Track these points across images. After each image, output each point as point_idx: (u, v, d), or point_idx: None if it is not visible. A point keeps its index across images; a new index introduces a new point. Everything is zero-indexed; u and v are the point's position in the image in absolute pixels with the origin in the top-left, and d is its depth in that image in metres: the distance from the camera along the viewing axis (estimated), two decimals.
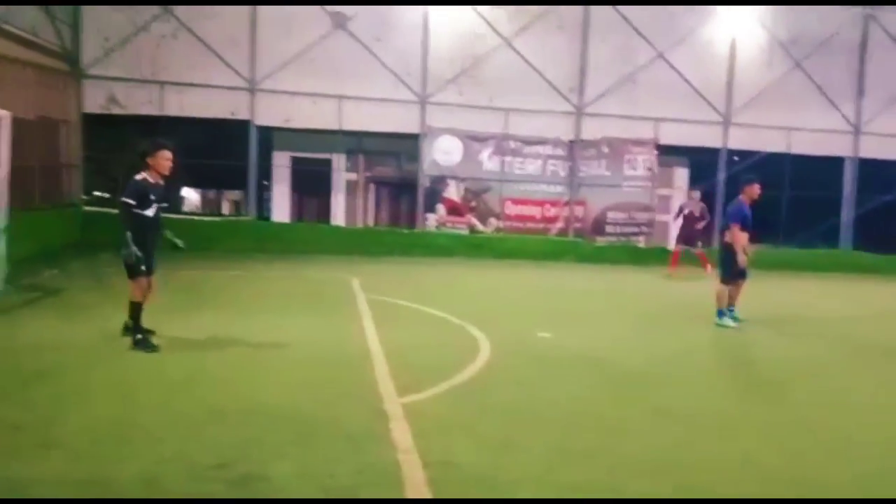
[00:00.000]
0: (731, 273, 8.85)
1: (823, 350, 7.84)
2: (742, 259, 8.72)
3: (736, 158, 19.05)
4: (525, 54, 17.08)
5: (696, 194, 15.71)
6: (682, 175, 20.49)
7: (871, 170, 19.00)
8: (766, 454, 4.19)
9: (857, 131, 18.79)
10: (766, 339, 8.35)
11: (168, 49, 15.84)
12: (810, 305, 11.82)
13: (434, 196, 17.29)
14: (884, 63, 18.57)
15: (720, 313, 8.83)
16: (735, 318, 8.85)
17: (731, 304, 8.97)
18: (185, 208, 31.58)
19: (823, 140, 18.68)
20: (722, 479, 3.76)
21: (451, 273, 13.82)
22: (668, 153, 18.48)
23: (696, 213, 15.01)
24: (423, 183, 17.21)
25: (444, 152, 17.18)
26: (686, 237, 15.15)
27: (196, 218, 19.91)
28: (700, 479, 3.72)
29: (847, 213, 19.17)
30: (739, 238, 8.76)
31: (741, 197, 9.01)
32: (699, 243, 15.35)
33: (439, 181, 17.28)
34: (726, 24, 17.77)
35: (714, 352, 7.70)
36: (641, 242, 17.87)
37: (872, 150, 18.83)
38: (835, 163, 19.17)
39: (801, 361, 7.12)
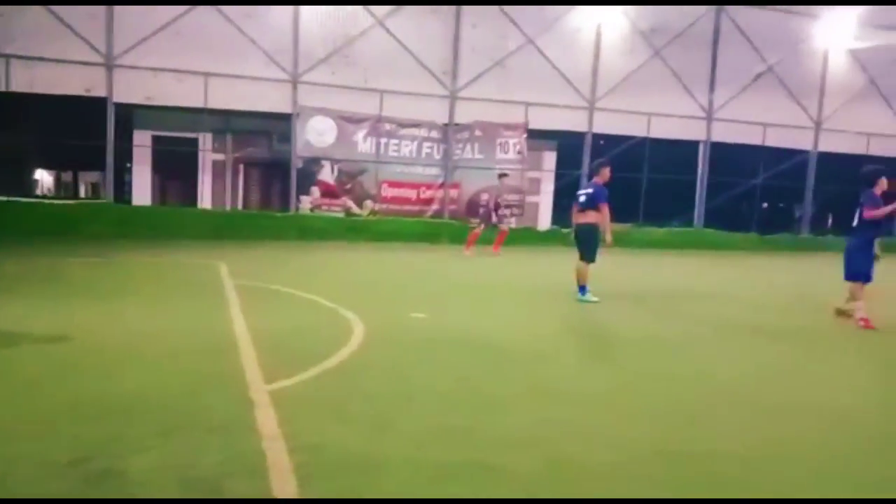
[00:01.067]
0: (594, 253, 9.25)
1: (689, 326, 8.36)
2: (610, 239, 9.17)
3: (602, 142, 19.96)
4: (399, 36, 17.05)
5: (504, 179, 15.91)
6: (550, 158, 21.23)
7: (722, 153, 20.51)
8: (634, 426, 4.40)
9: (709, 117, 20.16)
10: (631, 314, 8.81)
11: (14, 20, 14.54)
12: (671, 281, 12.58)
13: (308, 178, 16.98)
14: (734, 54, 20.01)
15: (582, 290, 9.18)
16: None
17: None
18: (38, 191, 29.32)
19: (681, 125, 19.94)
20: (589, 449, 3.92)
21: (326, 256, 13.65)
22: (538, 137, 19.08)
23: (495, 199, 15.39)
24: (296, 164, 16.85)
25: (317, 133, 16.88)
26: (488, 217, 15.34)
27: (49, 202, 18.53)
28: (569, 451, 3.87)
29: (700, 194, 20.58)
30: (607, 217, 9.15)
31: (596, 179, 9.30)
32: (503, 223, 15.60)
33: (313, 163, 16.97)
34: (592, 13, 18.47)
35: (586, 328, 8.02)
36: (512, 223, 18.38)
37: (722, 134, 20.31)
38: (691, 147, 20.52)
39: (666, 338, 7.55)
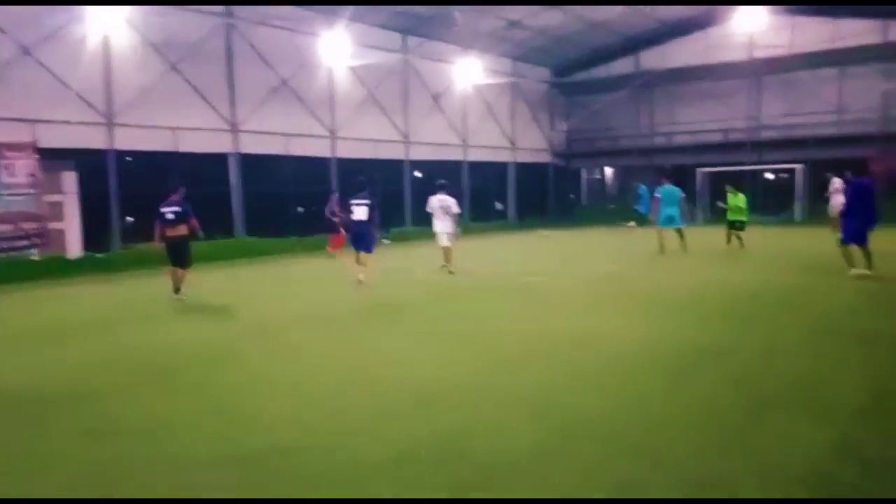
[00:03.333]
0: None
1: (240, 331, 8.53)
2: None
3: (129, 158, 18.90)
4: None
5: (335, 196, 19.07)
6: (71, 179, 19.25)
7: (252, 163, 21.29)
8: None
9: (234, 129, 20.71)
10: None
11: None
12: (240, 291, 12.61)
13: None
14: (250, 69, 20.87)
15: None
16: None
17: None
18: None
19: (208, 138, 20.05)
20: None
21: None
22: (54, 157, 17.11)
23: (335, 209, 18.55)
24: None
25: None
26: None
27: None
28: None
29: (237, 204, 21.05)
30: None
31: (175, 197, 11.15)
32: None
33: None
34: (97, 24, 17.27)
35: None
36: (36, 255, 16.24)
37: (249, 146, 21.09)
38: (222, 158, 20.80)
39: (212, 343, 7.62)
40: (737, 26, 28.72)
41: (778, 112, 29.43)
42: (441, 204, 14.19)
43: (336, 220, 18.66)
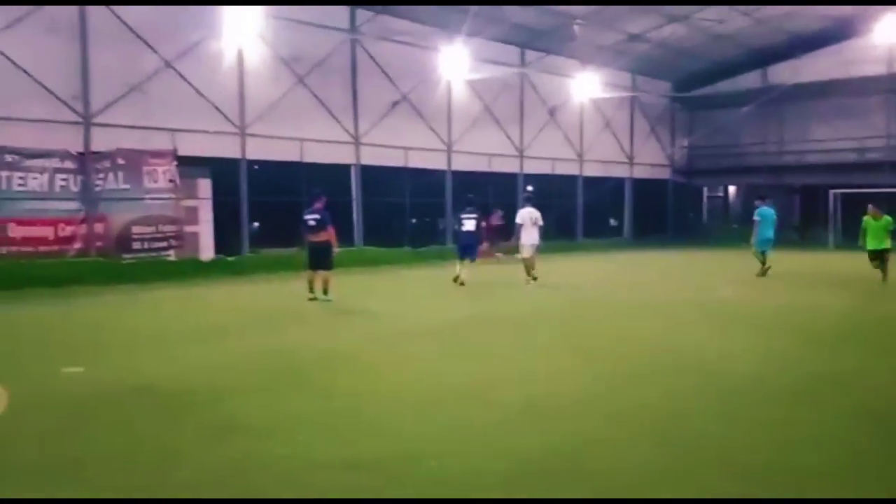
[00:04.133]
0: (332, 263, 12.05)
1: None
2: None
3: (256, 167, 19.95)
4: (13, 56, 14.99)
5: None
6: (205, 186, 20.53)
7: (371, 175, 21.93)
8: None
9: (357, 142, 21.43)
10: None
11: None
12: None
13: None
14: (371, 83, 21.56)
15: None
16: None
17: None
18: None
19: (332, 150, 20.85)
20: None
21: None
22: (190, 164, 18.32)
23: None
24: None
25: None
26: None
27: None
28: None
29: (357, 213, 21.73)
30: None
31: (318, 205, 12.09)
32: None
33: None
34: (231, 38, 18.34)
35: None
36: (172, 256, 17.40)
37: (370, 158, 21.74)
38: (343, 169, 21.54)
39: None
40: (875, 38, 26.76)
41: None
42: (531, 216, 14.93)
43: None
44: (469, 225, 14.82)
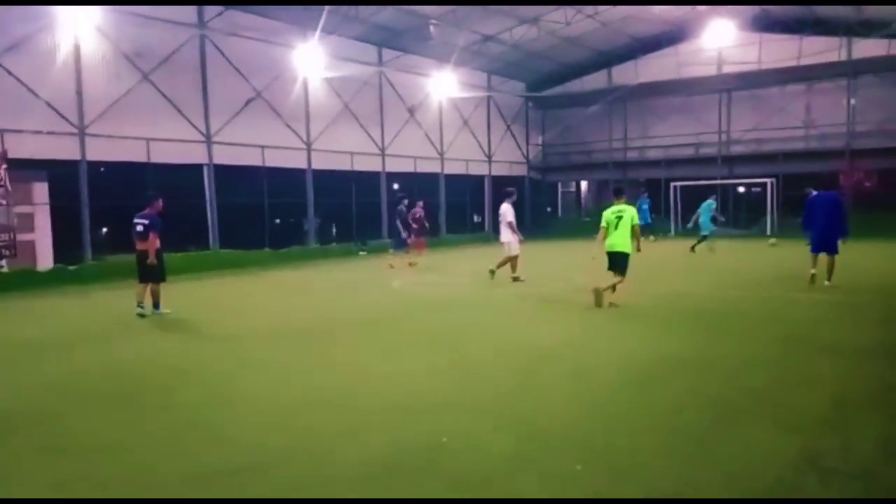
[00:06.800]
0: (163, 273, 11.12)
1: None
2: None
3: (102, 169, 18.73)
4: None
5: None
6: (42, 190, 19.06)
7: (227, 175, 21.17)
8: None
9: (209, 140, 20.61)
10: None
11: None
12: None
13: None
14: (224, 80, 20.81)
15: (156, 306, 10.99)
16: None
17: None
18: None
19: (182, 149, 19.92)
20: None
21: None
22: (24, 167, 16.92)
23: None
24: None
25: None
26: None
27: None
28: None
29: (212, 215, 20.91)
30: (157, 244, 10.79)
31: (149, 210, 10.87)
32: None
33: None
34: (68, 33, 17.13)
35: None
36: (4, 267, 16.00)
37: (224, 157, 20.98)
38: (197, 170, 20.67)
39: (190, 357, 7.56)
40: (707, 42, 29.28)
41: (747, 126, 29.99)
42: (501, 212, 14.53)
43: (416, 227, 20.26)
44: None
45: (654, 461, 4.29)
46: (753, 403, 5.46)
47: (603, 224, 10.54)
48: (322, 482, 4.11)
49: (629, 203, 10.96)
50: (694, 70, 30.31)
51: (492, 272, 14.34)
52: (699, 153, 31.17)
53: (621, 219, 10.37)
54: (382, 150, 26.78)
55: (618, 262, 10.40)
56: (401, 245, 18.90)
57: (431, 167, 29.36)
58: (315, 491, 4.00)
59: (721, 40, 28.86)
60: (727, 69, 29.92)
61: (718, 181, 29.15)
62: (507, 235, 14.20)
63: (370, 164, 26.34)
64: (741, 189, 31.84)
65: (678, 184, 29.77)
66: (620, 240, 10.33)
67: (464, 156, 30.94)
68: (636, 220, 10.46)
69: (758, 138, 29.76)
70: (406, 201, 19.58)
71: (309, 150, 23.84)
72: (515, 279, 13.99)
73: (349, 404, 5.74)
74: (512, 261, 14.15)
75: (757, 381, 6.15)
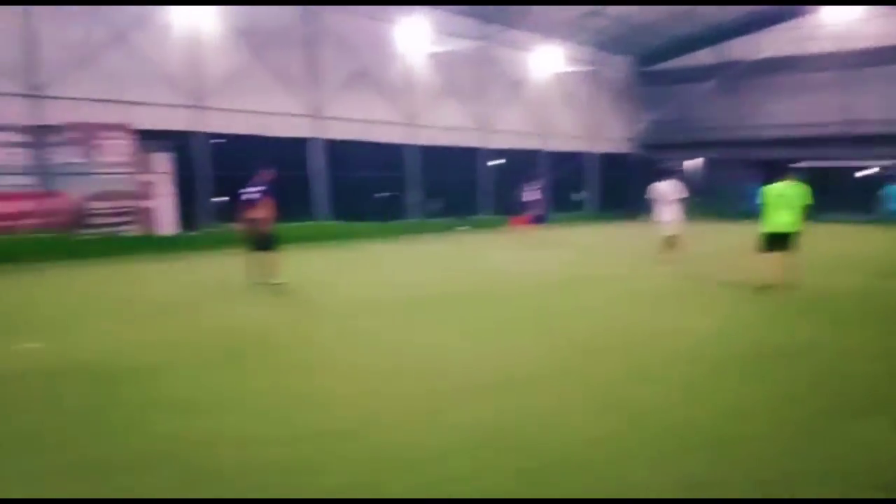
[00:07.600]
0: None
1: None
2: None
3: (223, 140, 19.64)
4: None
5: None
6: (164, 159, 20.19)
7: (339, 149, 21.64)
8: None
9: (318, 115, 21.20)
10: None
11: None
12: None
13: None
14: (332, 55, 21.30)
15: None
16: None
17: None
18: None
19: (291, 123, 20.61)
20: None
21: None
22: (147, 138, 17.98)
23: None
24: None
25: None
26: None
27: None
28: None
29: (320, 188, 21.52)
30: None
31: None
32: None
33: None
34: (185, 10, 18.00)
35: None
36: (130, 231, 17.15)
37: (331, 131, 21.51)
38: (300, 144, 21.26)
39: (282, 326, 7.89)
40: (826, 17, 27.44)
41: (879, 105, 27.79)
42: (666, 190, 13.60)
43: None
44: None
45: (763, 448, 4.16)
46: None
47: (765, 202, 9.96)
48: (411, 448, 4.25)
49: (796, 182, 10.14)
50: (816, 45, 28.38)
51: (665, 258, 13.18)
52: (825, 132, 28.97)
53: (784, 197, 9.87)
54: (483, 126, 26.61)
55: (779, 242, 9.82)
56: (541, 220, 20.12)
57: (532, 143, 28.98)
58: (403, 456, 4.13)
59: (842, 14, 27.03)
60: (852, 44, 27.84)
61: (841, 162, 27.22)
62: (668, 214, 13.34)
63: (471, 140, 26.29)
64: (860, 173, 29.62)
65: (801, 164, 27.95)
66: (784, 220, 9.80)
67: (567, 132, 30.39)
68: (805, 201, 9.88)
69: (887, 119, 27.47)
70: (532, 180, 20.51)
71: (411, 125, 24.04)
72: (668, 259, 13.00)
73: (455, 373, 5.85)
74: (670, 241, 13.26)
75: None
